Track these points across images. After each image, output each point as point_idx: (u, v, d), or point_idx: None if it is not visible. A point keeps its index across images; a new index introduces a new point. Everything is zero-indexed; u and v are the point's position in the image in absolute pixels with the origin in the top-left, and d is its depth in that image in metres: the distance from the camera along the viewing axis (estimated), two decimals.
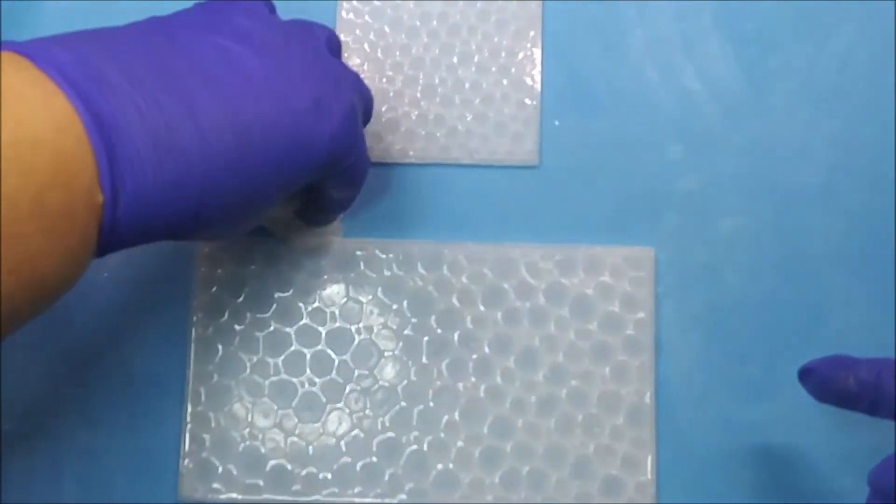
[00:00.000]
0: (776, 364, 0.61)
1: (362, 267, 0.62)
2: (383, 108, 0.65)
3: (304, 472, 0.59)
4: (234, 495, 0.58)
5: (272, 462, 0.59)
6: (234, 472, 0.59)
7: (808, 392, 0.53)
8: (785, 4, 0.67)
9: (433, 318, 0.61)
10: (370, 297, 0.62)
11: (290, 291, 0.61)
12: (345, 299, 0.61)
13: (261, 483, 0.59)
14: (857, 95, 0.66)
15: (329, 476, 0.59)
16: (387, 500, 0.59)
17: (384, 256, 0.62)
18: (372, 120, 0.61)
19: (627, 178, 0.64)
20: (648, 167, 0.64)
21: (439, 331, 0.61)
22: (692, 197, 0.64)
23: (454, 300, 0.62)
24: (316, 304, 0.61)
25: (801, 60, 0.66)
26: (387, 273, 0.62)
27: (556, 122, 0.65)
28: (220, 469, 0.59)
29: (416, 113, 0.65)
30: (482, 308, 0.61)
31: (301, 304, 0.61)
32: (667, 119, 0.65)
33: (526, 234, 0.63)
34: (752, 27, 0.67)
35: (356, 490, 0.59)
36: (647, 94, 0.66)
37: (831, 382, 0.51)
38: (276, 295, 0.61)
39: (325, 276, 0.62)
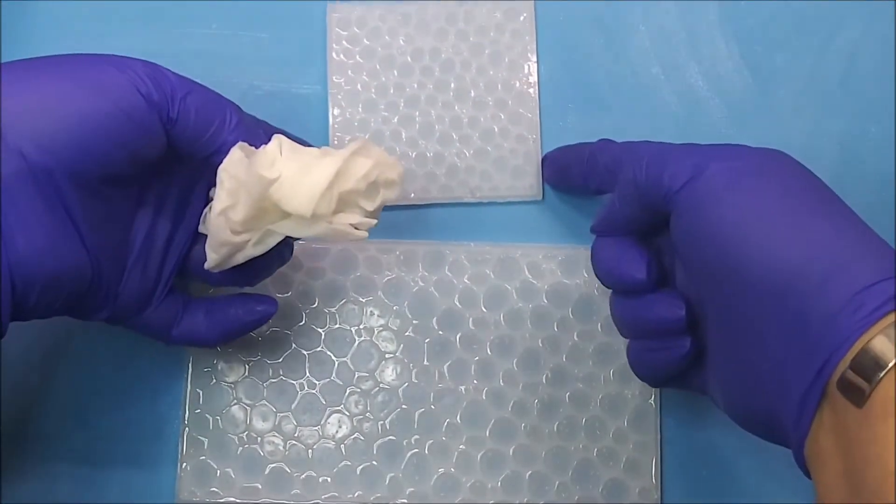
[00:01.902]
0: None
1: (363, 267, 0.61)
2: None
3: (303, 476, 0.58)
4: (232, 498, 0.58)
5: (271, 465, 0.58)
6: (233, 475, 0.58)
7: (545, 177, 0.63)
8: (790, 3, 0.66)
9: (434, 319, 0.61)
10: (370, 297, 0.61)
11: (290, 292, 0.61)
12: (345, 300, 0.61)
13: (259, 486, 0.58)
14: (862, 94, 0.65)
15: (329, 479, 0.58)
16: None
17: (385, 257, 0.61)
18: None
19: None
20: None
21: (441, 332, 0.60)
22: None
23: (456, 301, 0.61)
24: (315, 305, 0.61)
25: (807, 59, 0.66)
26: (387, 274, 0.61)
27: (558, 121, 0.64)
28: (219, 472, 0.58)
29: (415, 152, 0.64)
30: (484, 309, 0.61)
31: (300, 305, 0.61)
32: (672, 117, 0.65)
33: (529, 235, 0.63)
34: (758, 25, 0.66)
35: (356, 494, 0.58)
36: (651, 93, 0.65)
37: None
38: (275, 296, 0.61)
39: (325, 277, 0.61)
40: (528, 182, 0.63)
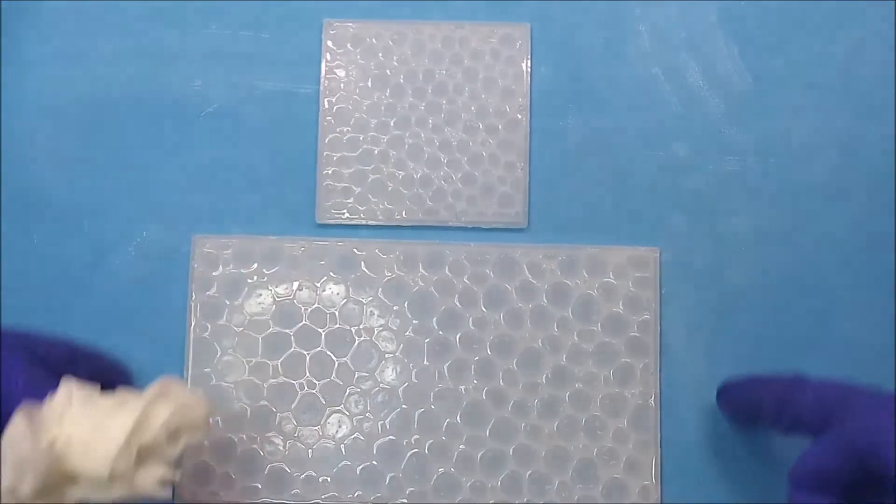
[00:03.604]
0: (780, 364, 0.60)
1: (363, 267, 0.61)
2: (369, 168, 0.63)
3: (303, 476, 0.58)
4: (232, 499, 0.58)
5: (271, 465, 0.58)
6: (233, 476, 0.58)
7: (722, 409, 0.59)
8: (790, 3, 0.66)
9: (434, 319, 0.61)
10: (371, 298, 0.61)
11: (290, 293, 0.61)
12: (345, 300, 0.61)
13: (259, 486, 0.58)
14: (862, 94, 0.65)
15: (328, 479, 0.58)
16: None
17: (385, 257, 0.61)
18: (356, 181, 0.62)
19: (632, 178, 0.64)
20: (653, 166, 0.64)
21: (441, 332, 0.60)
22: (697, 197, 0.63)
23: (456, 301, 0.61)
24: (316, 306, 0.61)
25: (807, 59, 0.65)
26: (388, 274, 0.61)
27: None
28: (219, 472, 0.58)
29: (403, 174, 0.64)
30: (484, 309, 0.61)
31: (300, 306, 0.61)
32: (672, 117, 0.64)
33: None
34: (758, 25, 0.66)
35: (356, 493, 0.58)
36: (651, 93, 0.65)
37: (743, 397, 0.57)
38: (276, 296, 0.61)
39: (325, 277, 0.61)
40: (514, 209, 0.63)
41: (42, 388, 0.48)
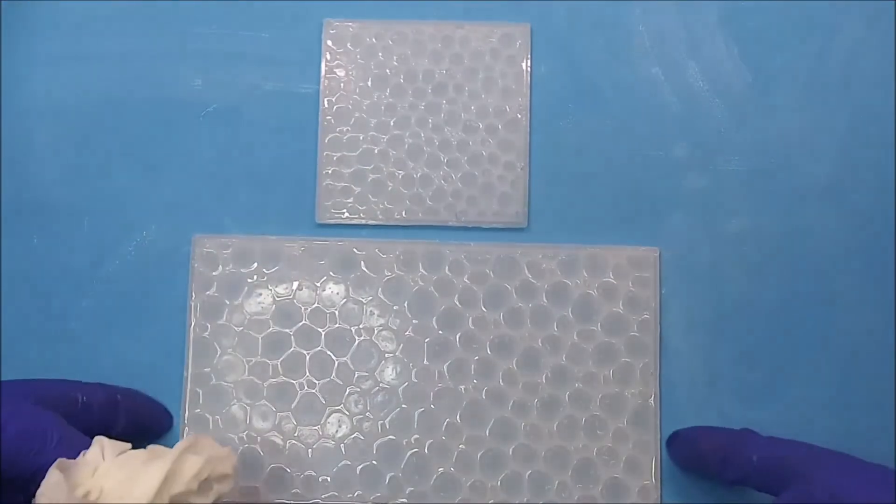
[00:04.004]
0: (781, 366, 0.61)
1: (363, 267, 0.61)
2: (369, 168, 0.63)
3: (303, 475, 0.58)
4: (232, 499, 0.58)
5: (271, 465, 0.58)
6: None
7: (671, 458, 0.59)
8: (790, 3, 0.66)
9: (434, 319, 0.61)
10: (370, 297, 0.61)
11: (290, 292, 0.61)
12: (345, 300, 0.61)
13: (259, 486, 0.58)
14: (862, 94, 0.65)
15: (328, 479, 0.58)
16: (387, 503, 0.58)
17: (385, 256, 0.61)
18: (356, 181, 0.62)
19: (632, 178, 0.64)
20: (653, 166, 0.64)
21: (440, 332, 0.61)
22: (697, 196, 0.63)
23: (456, 301, 0.61)
24: (315, 305, 0.61)
25: (807, 59, 0.65)
26: (387, 273, 0.61)
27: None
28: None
29: (402, 174, 0.64)
30: (484, 309, 0.61)
31: (300, 305, 0.61)
32: (672, 118, 0.64)
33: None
34: (758, 26, 0.66)
35: (356, 493, 0.58)
36: (651, 93, 0.65)
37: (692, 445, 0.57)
38: (276, 296, 0.61)
39: (325, 277, 0.61)
40: (514, 209, 0.63)
41: (76, 445, 0.49)
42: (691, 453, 0.57)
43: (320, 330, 0.60)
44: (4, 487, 0.50)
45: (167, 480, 0.46)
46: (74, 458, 0.48)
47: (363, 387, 0.60)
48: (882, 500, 0.46)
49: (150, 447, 0.49)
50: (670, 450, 0.59)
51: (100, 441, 0.48)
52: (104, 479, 0.46)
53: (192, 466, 0.48)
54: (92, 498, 0.45)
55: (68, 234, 0.63)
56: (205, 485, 0.48)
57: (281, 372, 0.60)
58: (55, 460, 0.47)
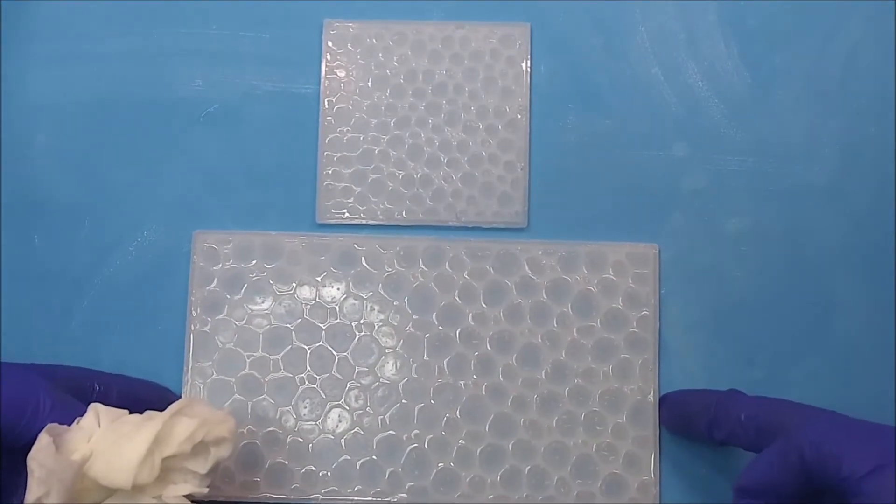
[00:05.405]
0: (780, 363, 0.61)
1: (363, 263, 0.61)
2: (369, 168, 0.64)
3: (303, 470, 0.58)
4: (232, 493, 0.58)
5: (271, 460, 0.58)
6: (233, 470, 0.58)
7: (661, 421, 0.60)
8: (790, 3, 0.66)
9: (434, 314, 0.61)
10: (371, 293, 0.61)
11: (290, 287, 0.61)
12: (345, 295, 0.61)
13: (259, 481, 0.58)
14: (862, 94, 0.65)
15: (328, 474, 0.58)
16: (387, 499, 0.58)
17: (385, 252, 0.62)
18: (357, 181, 0.62)
19: (632, 178, 0.64)
20: (653, 166, 0.64)
21: (440, 327, 0.61)
22: (697, 196, 0.63)
23: (456, 296, 0.61)
24: (316, 301, 0.61)
25: (806, 59, 0.66)
26: (388, 269, 0.61)
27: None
28: (219, 467, 0.58)
29: (403, 174, 0.64)
30: (484, 305, 0.61)
31: (301, 301, 0.61)
32: (672, 118, 0.65)
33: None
34: (758, 25, 0.66)
35: (356, 488, 0.58)
36: (651, 93, 0.65)
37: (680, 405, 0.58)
38: (276, 291, 0.61)
39: (326, 272, 0.61)
40: (514, 209, 0.63)
41: (70, 411, 0.49)
42: (681, 415, 0.58)
43: (321, 325, 0.60)
44: (8, 459, 0.50)
45: (157, 442, 0.46)
46: (69, 424, 0.48)
47: (363, 382, 0.60)
48: (870, 453, 0.46)
49: (147, 412, 0.49)
50: (660, 413, 0.60)
51: (95, 408, 0.48)
52: (97, 443, 0.46)
53: (184, 428, 0.48)
54: (83, 460, 0.45)
55: (69, 234, 0.63)
56: (201, 448, 0.48)
57: (281, 367, 0.60)
58: (47, 423, 0.47)
